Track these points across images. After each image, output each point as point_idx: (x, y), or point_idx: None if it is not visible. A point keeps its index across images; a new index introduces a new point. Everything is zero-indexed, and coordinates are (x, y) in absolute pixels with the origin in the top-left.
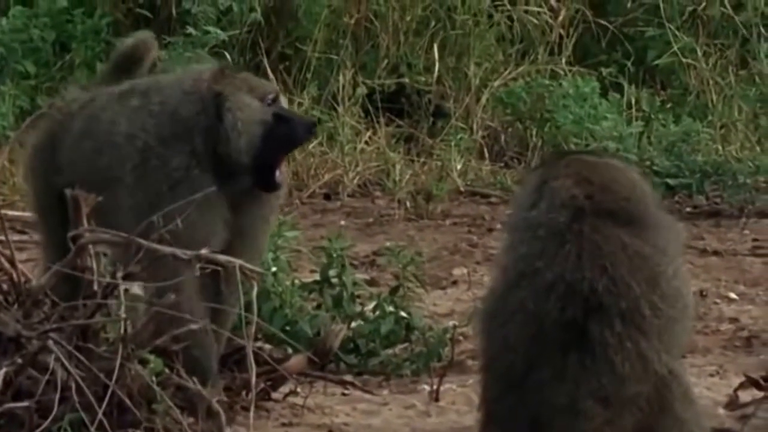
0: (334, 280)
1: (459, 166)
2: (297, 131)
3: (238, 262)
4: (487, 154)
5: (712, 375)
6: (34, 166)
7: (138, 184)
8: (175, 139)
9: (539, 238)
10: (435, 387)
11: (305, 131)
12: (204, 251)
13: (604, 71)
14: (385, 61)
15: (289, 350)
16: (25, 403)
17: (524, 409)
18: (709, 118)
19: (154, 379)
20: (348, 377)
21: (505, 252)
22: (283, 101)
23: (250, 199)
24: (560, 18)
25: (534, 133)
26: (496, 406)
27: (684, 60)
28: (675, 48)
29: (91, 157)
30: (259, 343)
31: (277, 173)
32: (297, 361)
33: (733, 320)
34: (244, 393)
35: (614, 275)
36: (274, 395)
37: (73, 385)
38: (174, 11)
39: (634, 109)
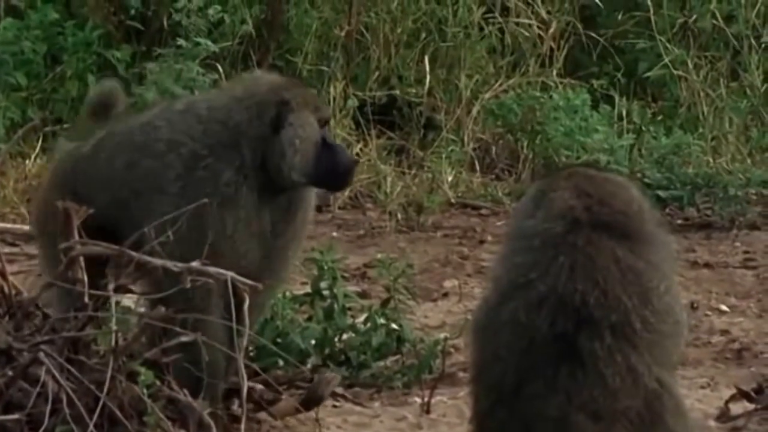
0: (326, 292)
1: (450, 178)
2: (341, 164)
3: (229, 274)
4: (478, 166)
5: (703, 387)
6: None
7: (183, 195)
8: (225, 148)
9: (533, 248)
10: (426, 399)
11: (347, 167)
12: (195, 264)
13: (595, 83)
14: (376, 73)
15: (280, 362)
16: (15, 416)
17: (516, 422)
18: (700, 130)
19: (145, 391)
20: (339, 389)
21: (500, 262)
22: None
23: (285, 217)
24: (551, 30)
25: (525, 145)
26: (487, 418)
27: (675, 72)
28: (666, 60)
29: (123, 173)
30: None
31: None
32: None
33: (724, 332)
34: (235, 405)
35: (606, 288)
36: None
37: (64, 398)
38: (165, 23)
39: (625, 122)
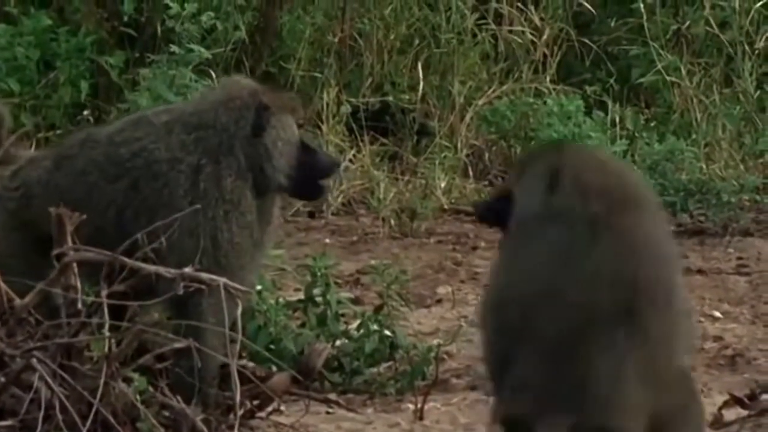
0: (319, 299)
1: (443, 184)
2: (321, 163)
3: (222, 280)
4: (471, 172)
5: None
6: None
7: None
8: (222, 153)
9: (568, 226)
10: (419, 406)
11: (329, 167)
12: (188, 269)
13: (589, 90)
14: (370, 80)
15: (273, 368)
16: (8, 422)
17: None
18: (693, 136)
19: (138, 397)
20: (332, 396)
21: (518, 246)
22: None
23: (266, 226)
24: (544, 37)
25: (518, 151)
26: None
27: (668, 78)
28: (659, 66)
29: (119, 196)
30: (243, 361)
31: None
32: (280, 379)
33: (717, 339)
34: (230, 413)
35: (650, 260)
36: (259, 414)
37: (57, 404)
38: (158, 29)
39: (618, 128)
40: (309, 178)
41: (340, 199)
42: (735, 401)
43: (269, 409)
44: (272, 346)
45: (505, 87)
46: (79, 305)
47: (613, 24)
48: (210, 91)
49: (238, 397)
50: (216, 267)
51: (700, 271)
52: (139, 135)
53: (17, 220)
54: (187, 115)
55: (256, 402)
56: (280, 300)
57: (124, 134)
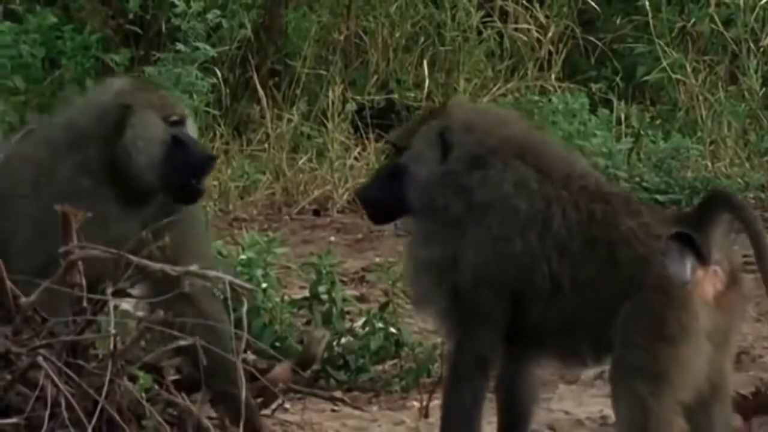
0: (324, 297)
1: None
2: (192, 159)
3: (227, 277)
4: None
5: None
6: None
7: (35, 198)
8: (67, 149)
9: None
10: (425, 403)
11: (201, 163)
12: (193, 267)
13: (594, 87)
14: (375, 77)
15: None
16: (14, 420)
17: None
18: (699, 134)
19: (143, 395)
20: (338, 393)
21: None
22: (191, 128)
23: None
24: (549, 34)
25: None
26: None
27: (673, 76)
28: (664, 64)
29: None
30: (243, 355)
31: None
32: (282, 370)
33: None
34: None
35: None
36: (264, 411)
37: (63, 402)
38: (164, 27)
39: (623, 125)
40: (181, 177)
41: (345, 197)
42: (741, 399)
43: (274, 406)
44: (277, 344)
45: (510, 84)
46: (84, 303)
47: (618, 22)
48: (88, 95)
49: (243, 395)
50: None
51: None
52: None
53: None
54: (58, 118)
55: (260, 399)
56: (285, 298)
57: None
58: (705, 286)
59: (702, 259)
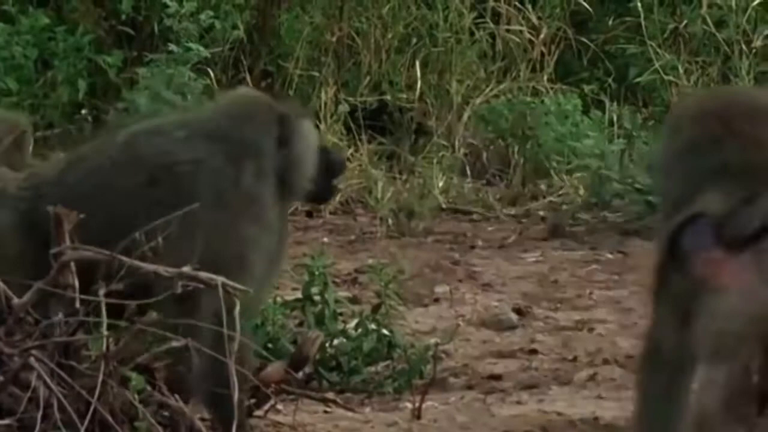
0: (317, 298)
1: (441, 184)
2: (334, 161)
3: (220, 279)
4: (468, 172)
5: None
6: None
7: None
8: (240, 157)
9: None
10: (417, 405)
11: (341, 163)
12: (186, 268)
13: (586, 88)
14: (367, 79)
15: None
16: (6, 421)
17: None
18: None
19: (136, 396)
20: (330, 395)
21: None
22: None
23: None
24: (542, 36)
25: (516, 150)
26: None
27: (666, 77)
28: (657, 65)
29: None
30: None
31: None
32: (275, 369)
33: None
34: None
35: None
36: (256, 412)
37: (55, 403)
38: (156, 28)
39: (615, 127)
40: (324, 179)
41: (338, 199)
42: None
43: (266, 407)
44: (270, 345)
45: (502, 86)
46: (77, 304)
47: (610, 23)
48: (224, 104)
49: (236, 396)
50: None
51: None
52: (159, 141)
53: (27, 221)
54: (207, 128)
55: (253, 400)
56: (278, 299)
57: (142, 139)
58: None
59: None
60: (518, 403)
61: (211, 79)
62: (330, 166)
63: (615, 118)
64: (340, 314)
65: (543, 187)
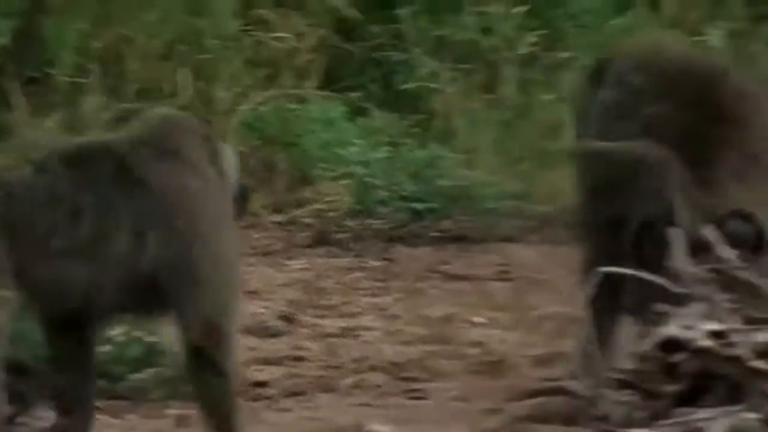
0: None
1: None
2: (245, 188)
3: None
4: None
5: (456, 400)
6: None
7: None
8: None
9: None
10: (181, 412)
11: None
12: None
13: (352, 96)
14: (135, 85)
15: None
16: None
17: None
18: (455, 143)
19: None
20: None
21: None
22: None
23: None
24: (308, 43)
25: (281, 157)
26: None
27: (430, 85)
28: (421, 73)
29: None
30: None
31: None
32: None
33: (479, 344)
34: None
35: None
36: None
37: None
38: None
39: (381, 135)
40: (240, 203)
41: None
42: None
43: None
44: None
45: (268, 93)
46: None
47: (375, 30)
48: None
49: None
50: None
51: (462, 277)
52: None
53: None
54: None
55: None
56: None
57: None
58: None
59: None
60: (284, 410)
61: None
62: (243, 191)
63: (381, 126)
64: None
65: (308, 194)
